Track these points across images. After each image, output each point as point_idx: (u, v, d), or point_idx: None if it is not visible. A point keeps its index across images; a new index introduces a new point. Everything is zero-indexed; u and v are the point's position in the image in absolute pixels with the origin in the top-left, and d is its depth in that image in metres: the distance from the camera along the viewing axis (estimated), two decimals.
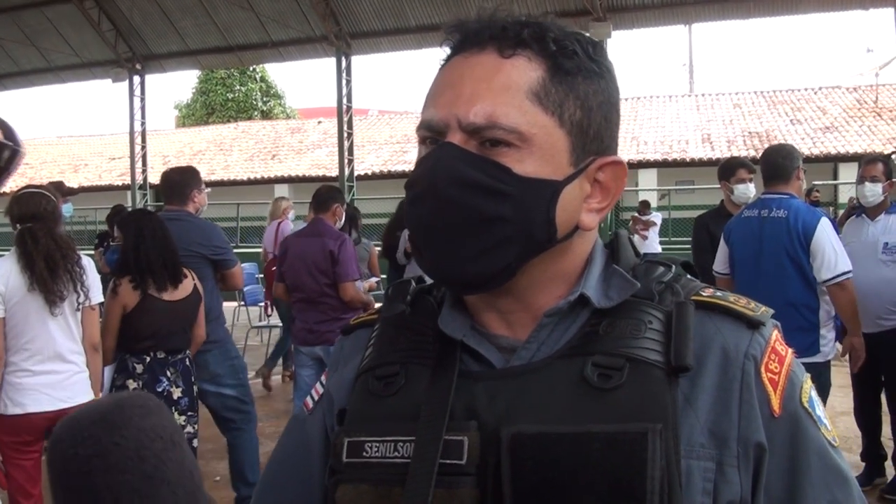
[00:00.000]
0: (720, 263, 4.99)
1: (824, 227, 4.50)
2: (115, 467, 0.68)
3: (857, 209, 5.59)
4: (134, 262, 4.42)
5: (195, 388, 4.65)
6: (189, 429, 4.54)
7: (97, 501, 0.68)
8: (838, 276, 4.44)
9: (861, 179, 5.37)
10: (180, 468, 0.71)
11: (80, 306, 4.06)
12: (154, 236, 4.47)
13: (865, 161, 5.50)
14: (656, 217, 15.94)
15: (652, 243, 15.12)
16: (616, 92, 1.04)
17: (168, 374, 4.48)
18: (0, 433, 3.95)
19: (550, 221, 0.96)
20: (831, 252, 4.46)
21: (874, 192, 5.26)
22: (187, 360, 4.62)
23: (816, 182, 15.36)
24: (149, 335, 4.41)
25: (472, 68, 0.97)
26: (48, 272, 3.91)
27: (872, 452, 5.53)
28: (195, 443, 4.63)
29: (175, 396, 4.48)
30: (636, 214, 16.23)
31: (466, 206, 0.94)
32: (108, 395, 0.78)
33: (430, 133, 0.99)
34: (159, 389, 4.41)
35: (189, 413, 4.55)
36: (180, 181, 5.27)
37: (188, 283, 4.60)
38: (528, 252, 0.97)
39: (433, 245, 0.98)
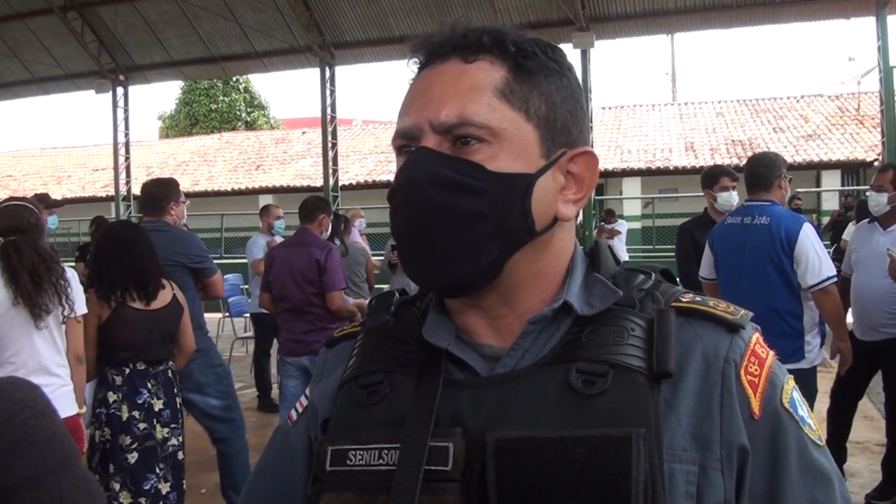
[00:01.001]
0: (705, 269, 5.01)
1: (807, 233, 4.52)
2: None
3: (867, 216, 5.53)
4: (96, 274, 4.41)
5: (179, 399, 4.59)
6: (173, 441, 4.47)
7: None
8: (823, 281, 4.45)
9: (870, 188, 5.36)
10: (49, 435, 0.77)
11: (65, 319, 4.03)
12: (118, 247, 4.44)
13: (877, 170, 5.50)
14: (621, 225, 16.01)
15: (618, 252, 15.18)
16: (578, 89, 1.07)
17: (149, 385, 4.41)
18: None
19: (527, 213, 0.98)
20: (815, 257, 4.48)
21: (878, 202, 5.22)
22: (170, 371, 4.55)
23: (799, 189, 15.47)
24: (125, 346, 4.35)
25: (439, 76, 1.01)
26: (33, 286, 3.87)
27: (836, 455, 5.50)
28: (180, 455, 4.54)
29: (156, 408, 4.41)
30: (602, 223, 16.32)
31: (444, 205, 0.96)
32: None
33: (406, 141, 1.01)
34: (139, 401, 4.34)
35: (172, 425, 4.48)
36: (157, 193, 5.27)
37: (167, 293, 4.57)
38: (510, 246, 0.99)
39: (417, 249, 0.99)
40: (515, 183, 0.97)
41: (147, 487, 4.32)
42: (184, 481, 4.55)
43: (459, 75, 0.99)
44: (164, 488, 4.43)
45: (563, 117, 1.02)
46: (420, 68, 1.05)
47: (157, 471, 4.39)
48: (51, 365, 3.99)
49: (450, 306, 1.07)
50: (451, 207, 0.96)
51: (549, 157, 1.01)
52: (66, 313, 4.01)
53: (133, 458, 4.30)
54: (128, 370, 4.37)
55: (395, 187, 1.00)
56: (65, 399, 4.05)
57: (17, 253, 3.89)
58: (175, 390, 4.57)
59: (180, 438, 4.55)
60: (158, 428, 4.41)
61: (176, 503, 4.48)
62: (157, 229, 5.04)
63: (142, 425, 4.36)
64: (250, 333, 10.46)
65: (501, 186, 0.96)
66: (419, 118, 0.99)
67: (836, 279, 4.54)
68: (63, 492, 0.72)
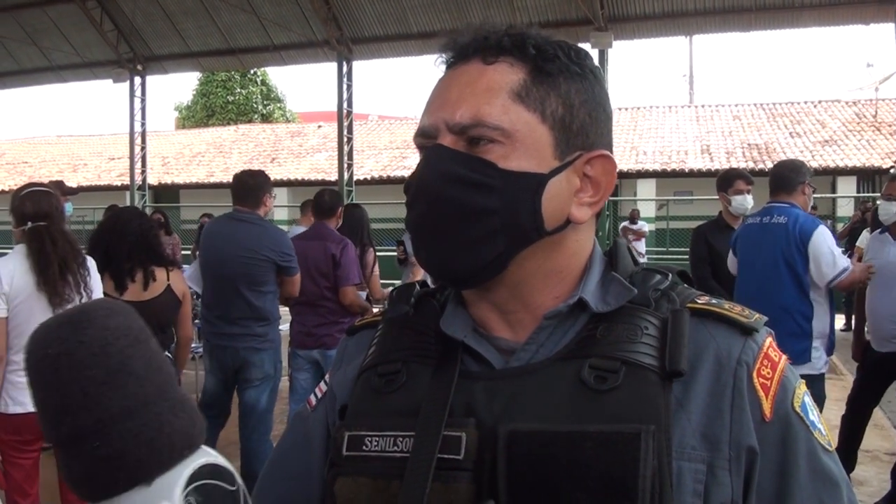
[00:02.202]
0: (733, 269, 5.08)
1: (822, 232, 4.56)
2: (80, 363, 0.74)
3: (881, 227, 5.50)
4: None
5: None
6: None
7: (67, 395, 0.73)
8: (840, 272, 4.52)
9: (882, 197, 5.34)
10: (147, 363, 0.76)
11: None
12: (96, 236, 4.46)
13: (889, 178, 5.48)
14: (644, 227, 15.98)
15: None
16: (601, 92, 1.07)
17: None
18: (1, 432, 3.94)
19: (536, 212, 1.00)
20: (829, 254, 4.53)
21: (888, 211, 5.22)
22: None
23: (815, 196, 15.38)
24: None
25: (459, 76, 1.03)
26: (60, 274, 3.90)
27: (847, 462, 5.47)
28: None
29: None
30: (626, 224, 16.26)
31: (455, 200, 0.98)
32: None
33: (425, 139, 1.04)
34: None
35: None
36: (254, 184, 5.34)
37: (159, 284, 4.60)
38: (517, 243, 1.00)
39: (428, 241, 1.02)
40: (527, 182, 0.99)
41: None
42: None
43: (478, 76, 1.01)
44: None
45: (580, 120, 1.03)
46: (446, 68, 1.07)
47: None
48: None
49: (466, 298, 1.09)
50: (460, 202, 0.98)
51: (564, 158, 1.02)
52: (84, 301, 4.02)
53: None
54: None
55: (410, 181, 1.03)
56: None
57: (51, 240, 3.91)
58: None
59: None
60: None
61: None
62: (250, 221, 5.19)
63: None
64: None
65: (512, 184, 0.98)
66: (436, 118, 1.02)
67: (850, 268, 4.61)
68: (163, 421, 0.72)
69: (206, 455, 0.77)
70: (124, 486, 0.70)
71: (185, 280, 4.92)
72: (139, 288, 4.49)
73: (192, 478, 0.69)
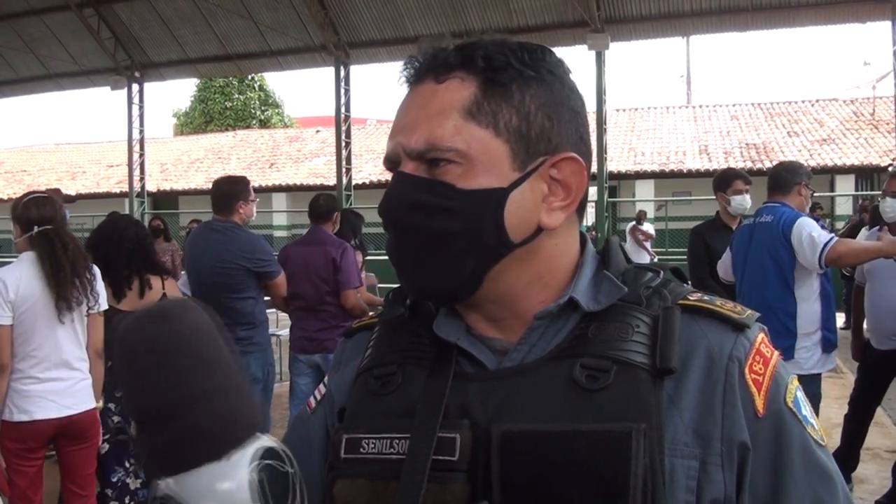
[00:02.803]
0: (724, 271, 5.06)
1: (803, 221, 4.55)
2: (172, 351, 0.80)
3: (879, 224, 5.48)
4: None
5: None
6: None
7: (159, 378, 0.79)
8: (826, 243, 4.44)
9: (884, 194, 5.30)
10: (220, 353, 0.83)
11: (89, 312, 4.06)
12: (89, 245, 4.46)
13: (890, 175, 5.47)
14: (650, 228, 15.97)
15: (643, 255, 15.11)
16: (563, 91, 1.05)
17: None
18: (5, 440, 3.92)
19: (500, 227, 0.99)
20: (808, 236, 4.47)
21: (892, 207, 5.17)
22: None
23: (814, 194, 15.35)
24: (107, 343, 4.33)
25: (414, 99, 1.04)
26: (71, 277, 3.91)
27: (848, 460, 5.48)
28: None
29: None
30: (636, 224, 16.20)
31: (420, 227, 1.00)
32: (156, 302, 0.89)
33: (391, 164, 1.06)
34: (117, 395, 4.34)
35: None
36: (227, 192, 5.32)
37: (155, 293, 4.59)
38: (487, 259, 1.01)
39: (403, 266, 1.05)
40: (486, 199, 0.99)
41: (114, 480, 4.39)
42: None
43: (430, 98, 1.02)
44: (134, 484, 4.47)
45: (539, 125, 1.02)
46: (408, 88, 1.08)
47: (127, 465, 4.45)
48: (72, 359, 4.02)
49: (456, 306, 1.10)
50: (425, 228, 1.00)
51: (525, 168, 1.01)
52: (91, 306, 4.03)
53: (103, 449, 4.35)
54: (109, 363, 4.36)
55: (379, 209, 1.05)
56: (84, 393, 4.08)
57: (61, 243, 3.92)
58: None
59: None
60: (134, 425, 4.40)
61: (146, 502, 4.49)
62: (223, 230, 5.18)
63: (116, 418, 4.41)
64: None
65: (472, 203, 0.99)
66: (395, 144, 1.04)
67: (835, 240, 4.51)
68: (236, 404, 0.79)
69: (267, 439, 0.82)
70: (203, 459, 0.75)
71: (178, 288, 4.93)
72: (135, 296, 4.49)
73: (256, 456, 0.74)
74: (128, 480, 4.46)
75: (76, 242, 4.04)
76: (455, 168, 0.99)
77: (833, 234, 4.62)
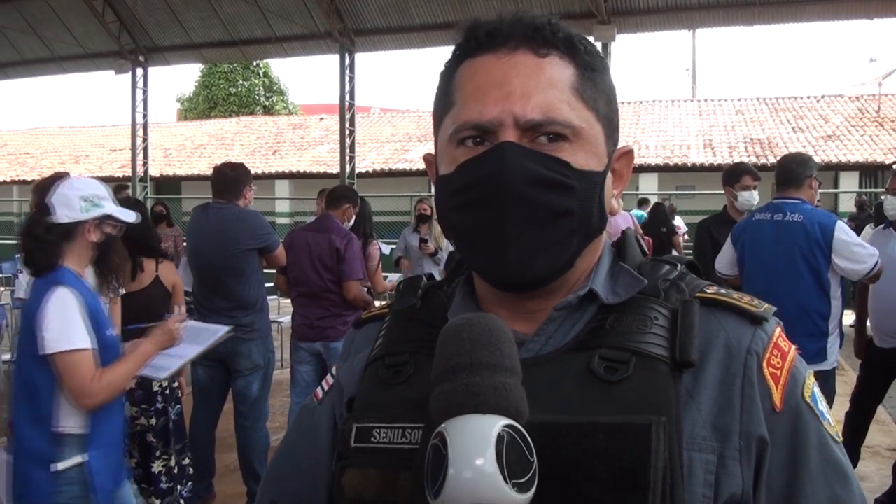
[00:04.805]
0: (727, 266, 5.01)
1: (842, 227, 4.56)
2: (475, 337, 0.88)
3: (885, 222, 5.47)
4: None
5: (157, 382, 4.58)
6: (142, 420, 4.56)
7: (462, 349, 0.88)
8: (875, 264, 4.54)
9: (887, 192, 5.31)
10: (511, 348, 0.90)
11: (113, 297, 4.07)
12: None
13: (893, 172, 5.46)
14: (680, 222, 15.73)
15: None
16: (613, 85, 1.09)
17: None
18: None
19: (603, 210, 1.02)
20: (858, 247, 4.54)
21: (894, 205, 5.19)
22: None
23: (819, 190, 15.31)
24: None
25: (514, 67, 0.99)
26: (117, 265, 3.94)
27: (850, 458, 5.45)
28: (150, 437, 4.59)
29: (128, 386, 4.45)
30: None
31: (540, 202, 0.96)
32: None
33: (477, 132, 0.99)
34: None
35: (143, 406, 4.55)
36: (234, 176, 5.38)
37: (147, 276, 4.62)
38: (587, 241, 1.03)
39: (500, 244, 0.98)
40: (595, 180, 1.00)
41: None
42: (152, 465, 4.60)
43: (536, 70, 0.98)
44: (128, 463, 4.49)
45: (616, 116, 1.06)
46: (475, 52, 1.02)
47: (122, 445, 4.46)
48: None
49: (481, 296, 1.09)
50: (545, 205, 0.97)
51: (610, 154, 1.04)
52: (117, 288, 4.05)
53: None
54: None
55: (477, 180, 0.98)
56: None
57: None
58: None
59: (152, 421, 4.59)
60: (127, 405, 4.45)
61: (141, 481, 4.56)
62: (227, 213, 5.24)
63: None
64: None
65: (586, 184, 0.99)
66: (500, 111, 0.97)
67: (879, 260, 4.61)
68: (509, 383, 0.86)
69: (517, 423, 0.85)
70: (470, 410, 0.82)
71: (175, 272, 4.91)
72: (127, 279, 4.48)
73: (507, 426, 0.80)
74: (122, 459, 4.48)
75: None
76: (567, 146, 0.98)
77: (875, 250, 4.66)
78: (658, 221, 11.27)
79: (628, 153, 1.09)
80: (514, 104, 0.96)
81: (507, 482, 0.76)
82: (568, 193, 0.97)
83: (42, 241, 3.09)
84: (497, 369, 0.84)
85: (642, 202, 16.02)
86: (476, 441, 0.78)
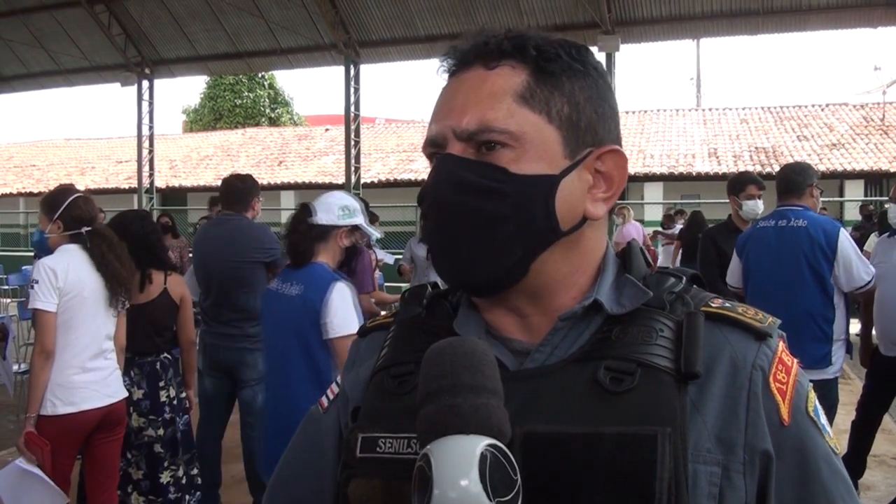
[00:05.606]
0: (734, 278, 5.01)
1: (846, 236, 4.58)
2: (458, 359, 0.89)
3: (889, 230, 5.46)
4: None
5: (165, 393, 4.61)
6: (149, 431, 4.55)
7: (444, 371, 0.88)
8: (870, 281, 4.59)
9: (891, 200, 5.32)
10: (492, 371, 0.90)
11: (122, 309, 4.14)
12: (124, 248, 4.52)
13: None
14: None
15: (668, 258, 14.75)
16: (605, 88, 1.08)
17: (131, 373, 4.49)
18: (43, 437, 3.83)
19: (550, 213, 1.00)
20: (858, 260, 4.58)
21: None
22: (159, 363, 4.63)
23: (822, 199, 15.28)
24: None
25: (462, 83, 1.04)
26: (126, 277, 4.08)
27: (856, 467, 5.43)
28: (157, 448, 4.59)
29: (135, 397, 4.49)
30: (661, 228, 15.92)
31: (468, 208, 0.99)
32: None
33: (434, 148, 1.04)
34: None
35: (150, 416, 4.55)
36: (243, 188, 5.39)
37: (155, 288, 4.63)
38: (536, 246, 1.01)
39: (445, 250, 1.02)
40: (538, 184, 0.99)
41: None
42: (160, 475, 4.59)
43: (480, 83, 1.02)
44: (136, 475, 4.53)
45: (587, 117, 1.04)
46: (448, 76, 1.08)
47: (129, 456, 4.49)
48: (107, 350, 4.08)
49: (478, 303, 1.09)
50: (474, 210, 0.98)
51: (574, 157, 1.02)
52: (125, 300, 4.14)
53: None
54: None
55: (422, 192, 1.03)
56: (119, 383, 4.15)
57: (117, 244, 4.10)
58: (161, 384, 4.61)
59: (160, 432, 4.58)
60: (134, 416, 4.49)
61: (149, 492, 4.56)
62: (236, 226, 5.25)
63: None
64: None
65: (524, 188, 0.98)
66: (443, 126, 1.02)
67: (874, 282, 4.67)
68: (492, 404, 0.87)
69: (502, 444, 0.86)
70: (453, 431, 0.83)
71: (184, 284, 4.93)
72: (135, 290, 4.50)
73: (490, 445, 0.81)
74: (130, 470, 4.52)
75: (122, 241, 4.15)
76: (507, 152, 0.99)
77: (872, 269, 4.72)
78: (696, 228, 11.24)
79: (612, 152, 1.06)
80: (454, 118, 1.01)
81: (490, 500, 0.78)
82: (500, 198, 0.98)
83: (305, 236, 3.65)
84: (479, 391, 0.85)
85: (678, 213, 15.60)
86: (460, 461, 0.80)
